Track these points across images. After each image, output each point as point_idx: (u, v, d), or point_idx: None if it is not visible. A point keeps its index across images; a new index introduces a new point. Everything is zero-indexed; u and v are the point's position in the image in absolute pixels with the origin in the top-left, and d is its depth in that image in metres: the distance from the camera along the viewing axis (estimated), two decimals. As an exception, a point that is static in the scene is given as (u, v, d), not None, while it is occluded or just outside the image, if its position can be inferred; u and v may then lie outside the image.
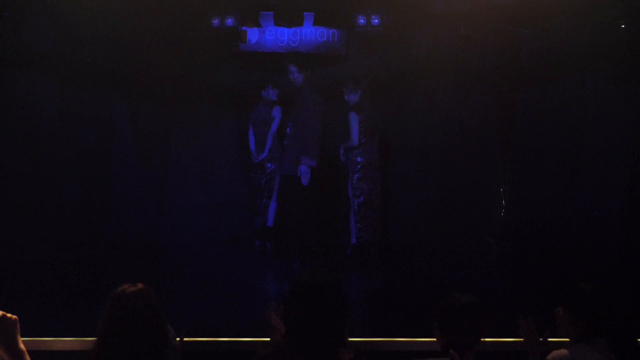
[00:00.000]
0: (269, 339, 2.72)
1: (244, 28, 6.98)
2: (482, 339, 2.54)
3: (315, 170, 6.37)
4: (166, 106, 7.32)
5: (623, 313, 2.60)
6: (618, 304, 2.63)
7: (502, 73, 7.07)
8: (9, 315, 1.77)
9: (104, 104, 7.12)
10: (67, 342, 3.35)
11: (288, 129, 6.71)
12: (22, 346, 1.80)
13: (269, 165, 6.92)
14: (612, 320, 2.58)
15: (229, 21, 6.76)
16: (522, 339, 2.85)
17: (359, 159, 6.62)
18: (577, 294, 2.67)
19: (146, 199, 7.29)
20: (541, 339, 2.81)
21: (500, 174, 7.31)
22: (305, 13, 6.96)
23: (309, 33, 7.24)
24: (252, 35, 7.16)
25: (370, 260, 6.60)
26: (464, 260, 6.45)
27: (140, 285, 2.28)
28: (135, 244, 6.91)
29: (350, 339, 2.38)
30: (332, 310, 2.25)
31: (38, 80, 6.79)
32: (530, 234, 6.91)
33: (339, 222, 7.12)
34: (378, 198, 6.74)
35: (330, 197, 7.06)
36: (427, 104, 7.33)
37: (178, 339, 2.71)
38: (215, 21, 6.75)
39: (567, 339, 2.71)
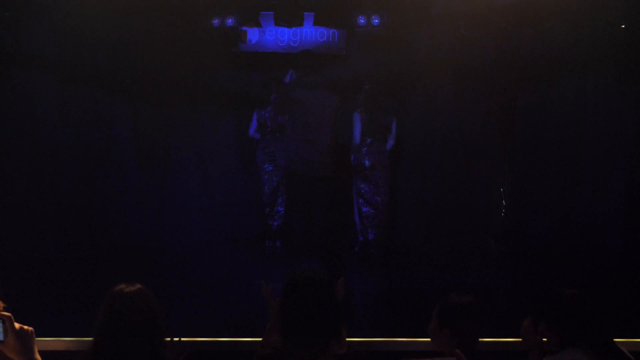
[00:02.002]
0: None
1: (244, 28, 6.98)
2: (480, 339, 2.54)
3: (322, 170, 6.37)
4: (166, 106, 7.32)
5: (600, 317, 2.59)
6: (595, 308, 2.62)
7: (502, 73, 7.07)
8: (25, 327, 1.83)
9: (104, 104, 7.12)
10: (67, 342, 3.35)
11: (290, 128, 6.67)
12: (38, 357, 1.87)
13: (272, 167, 6.94)
14: (589, 325, 2.57)
15: (229, 21, 6.75)
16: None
17: (365, 160, 6.62)
18: (554, 300, 2.66)
19: (146, 199, 7.29)
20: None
21: (500, 174, 7.31)
22: (305, 13, 6.96)
23: (309, 33, 7.24)
24: (252, 35, 7.16)
25: (373, 260, 6.60)
26: (464, 260, 6.45)
27: (137, 286, 2.28)
28: (135, 244, 6.91)
29: (350, 339, 2.39)
30: (326, 307, 2.27)
31: (38, 80, 6.79)
32: (531, 234, 6.91)
33: (344, 222, 7.14)
34: (384, 199, 6.72)
35: (337, 196, 7.08)
36: (427, 104, 7.33)
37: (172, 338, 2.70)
38: (215, 21, 6.75)
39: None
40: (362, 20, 6.74)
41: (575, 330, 2.56)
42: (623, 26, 6.24)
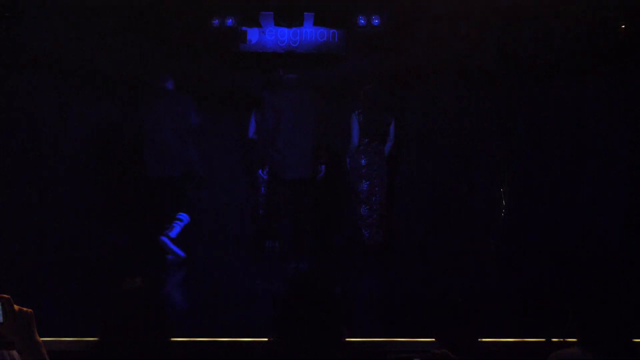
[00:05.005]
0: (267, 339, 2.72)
1: (244, 28, 6.98)
2: (479, 340, 2.54)
3: (304, 172, 6.26)
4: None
5: (620, 316, 2.60)
6: (616, 308, 2.62)
7: (502, 73, 7.07)
8: (24, 309, 1.85)
9: (103, 104, 7.12)
10: (67, 342, 3.35)
11: (281, 132, 6.45)
12: (38, 338, 1.89)
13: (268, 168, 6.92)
14: (608, 323, 2.58)
15: (229, 21, 6.75)
16: (524, 339, 2.86)
17: (362, 160, 6.62)
18: (581, 295, 2.68)
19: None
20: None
21: (500, 175, 7.32)
22: (305, 13, 6.96)
23: (309, 33, 7.24)
24: (252, 35, 7.16)
25: (372, 261, 6.61)
26: (464, 261, 6.45)
27: (143, 282, 2.29)
28: (135, 243, 6.90)
29: (350, 339, 2.38)
30: (325, 312, 2.26)
31: (38, 80, 6.78)
32: (531, 234, 6.91)
33: (344, 223, 7.14)
34: (382, 199, 6.71)
35: (336, 198, 7.08)
36: (427, 103, 7.33)
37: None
38: (216, 21, 6.75)
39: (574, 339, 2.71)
40: (362, 20, 6.74)
41: (594, 329, 2.57)
42: (623, 26, 6.24)
